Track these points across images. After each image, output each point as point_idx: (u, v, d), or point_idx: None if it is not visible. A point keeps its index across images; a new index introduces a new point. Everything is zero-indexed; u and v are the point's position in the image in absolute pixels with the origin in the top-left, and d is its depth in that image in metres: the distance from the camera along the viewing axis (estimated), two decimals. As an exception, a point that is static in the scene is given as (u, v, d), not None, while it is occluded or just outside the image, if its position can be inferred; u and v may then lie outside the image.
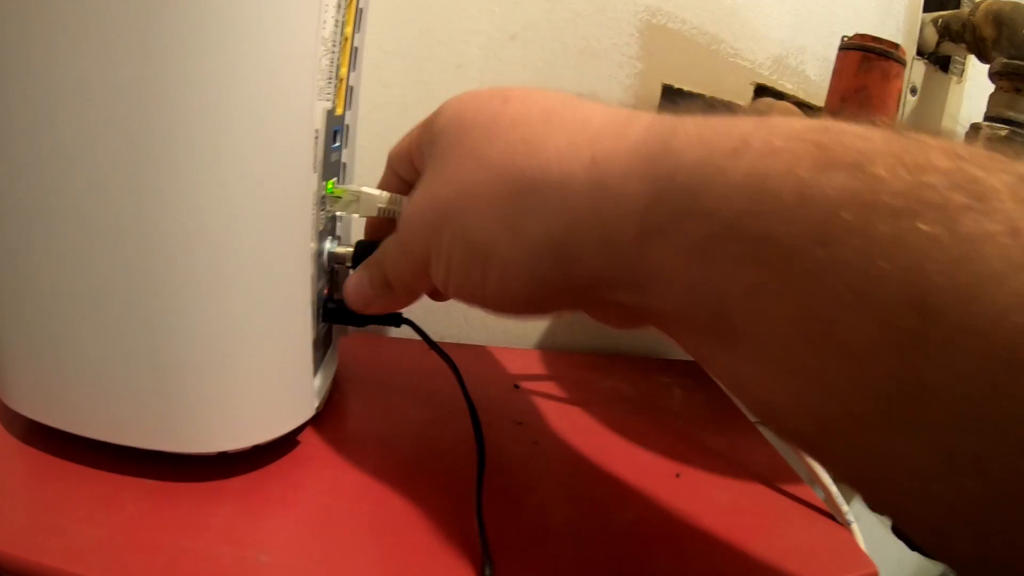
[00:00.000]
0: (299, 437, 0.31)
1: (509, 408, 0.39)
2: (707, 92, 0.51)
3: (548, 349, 0.51)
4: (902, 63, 0.42)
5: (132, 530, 0.23)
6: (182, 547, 0.23)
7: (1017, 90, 0.55)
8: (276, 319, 0.26)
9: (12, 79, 0.21)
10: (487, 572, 0.24)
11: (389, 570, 0.24)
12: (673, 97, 0.50)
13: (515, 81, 0.44)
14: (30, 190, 0.23)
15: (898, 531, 0.29)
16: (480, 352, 0.47)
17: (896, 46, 0.42)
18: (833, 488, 0.37)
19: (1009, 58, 0.54)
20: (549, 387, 0.44)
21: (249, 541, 0.24)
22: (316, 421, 0.32)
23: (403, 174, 0.30)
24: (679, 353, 0.54)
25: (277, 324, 0.26)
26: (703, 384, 0.49)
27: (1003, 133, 0.54)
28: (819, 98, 0.44)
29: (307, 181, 0.25)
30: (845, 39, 0.44)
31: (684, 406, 0.46)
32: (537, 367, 0.47)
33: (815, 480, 0.38)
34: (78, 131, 0.21)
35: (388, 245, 0.28)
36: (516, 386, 0.43)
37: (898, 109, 0.43)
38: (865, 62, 0.42)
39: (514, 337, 0.50)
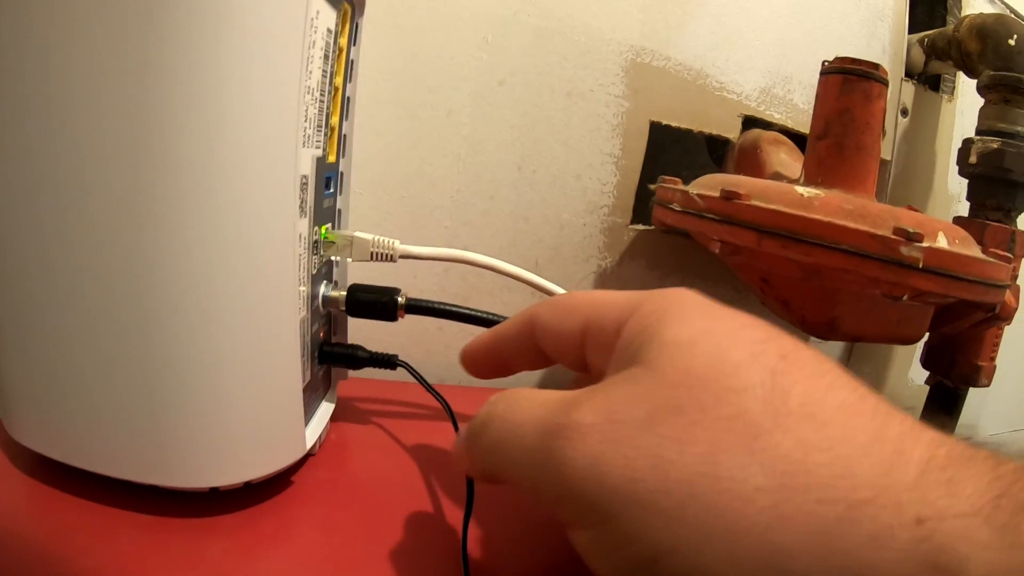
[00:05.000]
0: (294, 476, 0.31)
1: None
2: (695, 127, 0.52)
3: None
4: (884, 83, 0.43)
5: (126, 563, 0.23)
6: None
7: (1006, 101, 0.55)
8: (265, 360, 0.27)
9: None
10: None
11: None
12: (661, 134, 0.51)
13: (505, 126, 0.46)
14: (28, 234, 0.24)
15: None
16: (479, 394, 0.47)
17: (876, 66, 0.42)
18: None
19: (995, 70, 0.55)
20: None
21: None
22: (312, 460, 0.32)
23: (553, 351, 0.24)
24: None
25: (266, 365, 0.27)
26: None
27: (995, 145, 0.54)
28: (808, 126, 0.45)
29: (292, 225, 0.26)
30: (825, 63, 0.45)
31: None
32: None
33: None
34: (74, 172, 0.23)
35: (507, 414, 0.20)
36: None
37: (883, 130, 0.43)
38: (846, 84, 0.43)
39: (513, 379, 0.50)
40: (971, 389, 0.75)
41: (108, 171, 0.23)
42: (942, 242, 0.35)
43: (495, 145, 0.46)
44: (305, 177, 0.28)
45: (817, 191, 0.37)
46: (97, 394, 0.25)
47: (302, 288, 0.29)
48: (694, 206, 0.38)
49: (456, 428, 0.35)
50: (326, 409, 0.35)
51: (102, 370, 0.25)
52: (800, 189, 0.37)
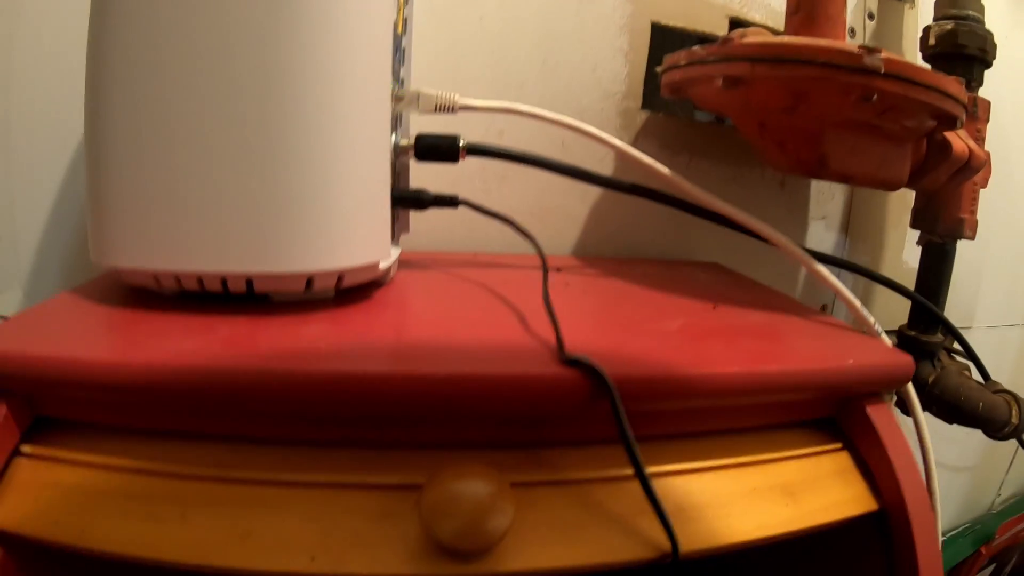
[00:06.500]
0: (373, 293, 0.38)
1: (552, 273, 0.47)
2: (689, 27, 0.60)
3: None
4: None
5: (229, 342, 0.28)
6: (279, 346, 0.28)
7: (956, -11, 0.63)
8: (364, 163, 0.33)
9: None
10: (561, 344, 0.29)
11: (480, 342, 0.31)
12: (661, 34, 0.59)
13: (528, 27, 0.54)
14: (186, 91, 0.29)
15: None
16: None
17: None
18: (857, 303, 0.43)
19: (947, -34, 0.63)
20: (588, 268, 0.51)
21: (341, 337, 0.30)
22: (385, 287, 0.40)
23: None
24: (704, 255, 0.61)
25: (365, 167, 0.34)
26: (727, 273, 0.56)
27: (949, 27, 0.62)
28: (783, 26, 0.53)
29: (389, 67, 0.35)
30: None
31: (710, 282, 0.53)
32: (572, 261, 0.55)
33: (842, 299, 0.44)
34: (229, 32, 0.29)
35: None
36: (558, 269, 0.51)
37: (845, 6, 0.51)
38: (811, -31, 0.51)
39: (553, 248, 0.58)
40: (963, 285, 0.83)
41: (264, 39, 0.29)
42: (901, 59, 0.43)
43: (521, 44, 0.54)
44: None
45: (795, 34, 0.45)
46: (213, 195, 0.29)
47: (389, 110, 0.36)
48: (697, 56, 0.46)
49: (520, 230, 0.42)
50: (396, 251, 0.42)
51: (224, 174, 0.29)
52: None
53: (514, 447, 0.29)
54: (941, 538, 1.06)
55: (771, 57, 0.42)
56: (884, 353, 0.37)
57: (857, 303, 0.43)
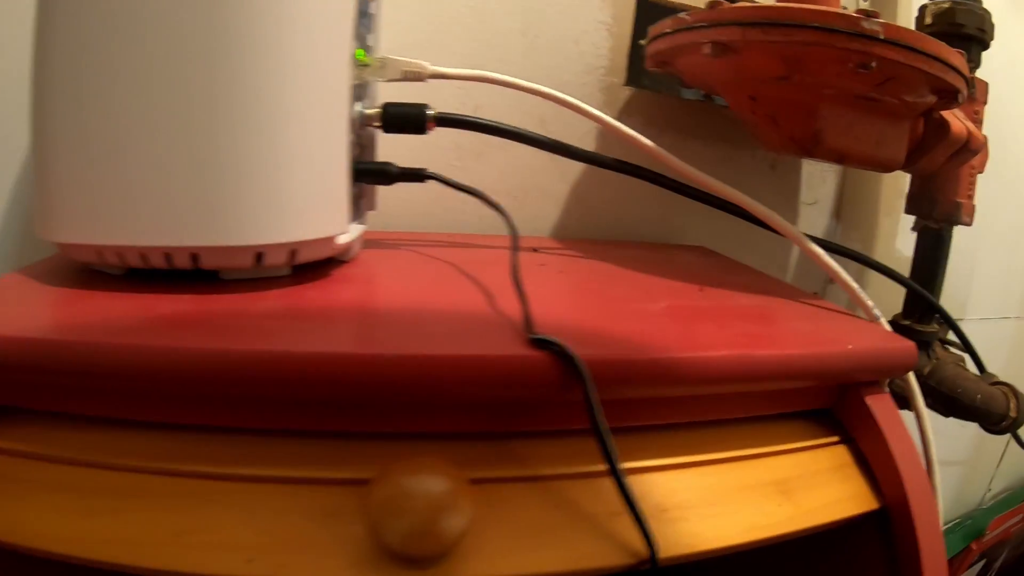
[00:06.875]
0: (332, 271, 0.35)
1: (527, 254, 0.44)
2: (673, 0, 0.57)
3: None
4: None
5: (168, 320, 0.26)
6: (222, 324, 0.26)
7: (955, -33, 0.61)
8: (317, 131, 0.31)
9: None
10: (529, 323, 0.27)
11: (440, 322, 0.28)
12: (646, 5, 0.56)
13: None
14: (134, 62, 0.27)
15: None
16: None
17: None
18: (856, 286, 0.40)
19: (944, -59, 0.61)
20: (566, 250, 0.48)
21: (291, 314, 0.28)
22: (347, 264, 0.37)
23: None
24: (692, 238, 0.59)
25: (319, 136, 0.31)
26: (715, 256, 0.53)
27: (946, 5, 0.60)
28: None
29: (345, 40, 0.32)
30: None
31: (697, 265, 0.50)
32: (551, 243, 0.51)
33: (839, 282, 0.41)
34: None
35: None
36: (534, 249, 0.47)
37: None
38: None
39: (531, 229, 0.54)
40: (956, 275, 0.80)
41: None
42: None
43: (501, 15, 0.51)
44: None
45: None
46: (170, 165, 0.28)
47: (347, 71, 0.33)
48: (684, 23, 0.43)
49: (493, 206, 0.39)
50: (358, 227, 0.39)
51: (164, 143, 0.27)
52: (773, -2, 0.42)
53: (477, 438, 0.26)
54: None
55: (764, 20, 0.39)
56: (885, 338, 0.34)
57: (855, 286, 0.41)
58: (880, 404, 0.32)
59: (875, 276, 0.61)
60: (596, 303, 0.35)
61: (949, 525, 0.98)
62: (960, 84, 0.44)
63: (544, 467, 0.25)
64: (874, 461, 0.31)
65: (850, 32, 0.38)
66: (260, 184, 0.29)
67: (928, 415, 0.65)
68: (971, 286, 0.87)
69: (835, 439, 0.32)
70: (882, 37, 0.38)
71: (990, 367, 0.98)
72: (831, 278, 0.65)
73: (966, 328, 0.90)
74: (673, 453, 0.28)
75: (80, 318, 0.26)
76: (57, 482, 0.23)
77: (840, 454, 0.32)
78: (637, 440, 0.27)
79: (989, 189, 0.72)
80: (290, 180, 0.30)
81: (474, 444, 0.25)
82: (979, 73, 0.63)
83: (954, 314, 0.88)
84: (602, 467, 0.24)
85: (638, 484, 0.25)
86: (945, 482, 1.01)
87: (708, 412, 0.30)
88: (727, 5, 0.41)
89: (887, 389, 0.33)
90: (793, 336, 0.33)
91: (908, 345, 0.33)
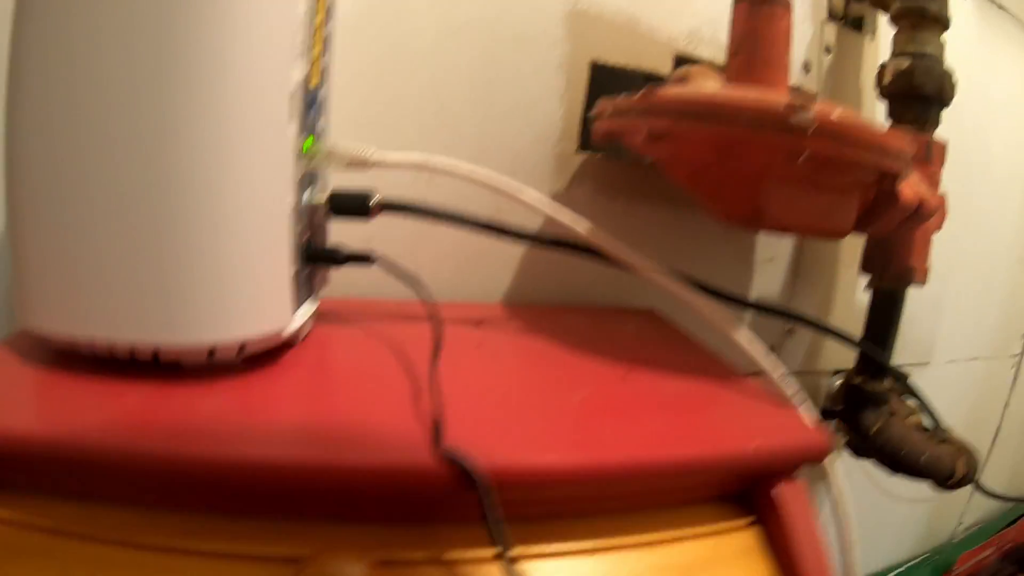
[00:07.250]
0: (281, 356, 0.36)
1: (470, 329, 0.45)
2: (630, 64, 0.58)
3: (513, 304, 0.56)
4: (787, 6, 0.49)
5: (132, 414, 0.28)
6: (177, 420, 0.28)
7: (914, 27, 0.62)
8: (261, 233, 0.32)
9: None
10: (438, 433, 0.28)
11: (364, 425, 0.30)
12: (601, 73, 0.57)
13: (462, 67, 0.52)
14: (66, 145, 0.29)
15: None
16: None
17: (779, -7, 0.48)
18: (777, 372, 0.41)
19: (904, 1, 0.61)
20: (511, 320, 0.49)
21: (238, 409, 0.30)
22: (296, 348, 0.38)
23: None
24: (644, 299, 0.59)
25: (262, 237, 0.32)
26: (659, 323, 0.54)
27: (906, 64, 0.60)
28: None
29: (286, 119, 0.33)
30: (737, -4, 0.51)
31: (636, 338, 0.50)
32: (499, 312, 0.52)
33: (765, 369, 0.41)
34: (114, 99, 0.28)
35: None
36: (478, 322, 0.48)
37: (788, 49, 0.49)
38: (752, 8, 0.49)
39: (484, 294, 0.55)
40: (922, 320, 0.81)
41: (137, 85, 0.28)
42: (836, 113, 0.40)
43: (456, 90, 0.52)
44: (296, 85, 0.33)
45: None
46: (118, 269, 0.30)
47: (291, 161, 0.34)
48: (621, 108, 0.44)
49: (425, 298, 0.40)
50: (309, 307, 0.40)
51: (127, 249, 0.29)
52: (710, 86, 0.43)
53: (395, 523, 0.28)
54: (899, 569, 1.05)
55: (693, 113, 0.40)
56: (798, 432, 0.35)
57: (776, 371, 0.41)
58: (788, 493, 0.33)
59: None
60: (516, 397, 0.36)
61: (915, 561, 0.99)
62: (899, 167, 0.45)
63: (451, 551, 0.27)
64: (776, 550, 0.32)
65: (778, 127, 0.39)
66: (206, 285, 0.31)
67: (875, 470, 0.66)
68: (939, 328, 0.88)
69: (749, 520, 0.33)
70: (811, 131, 0.39)
71: (959, 409, 0.98)
72: (788, 330, 0.66)
73: (933, 372, 0.91)
74: (575, 538, 0.29)
75: (49, 409, 0.29)
76: (43, 550, 0.26)
77: (749, 537, 0.32)
78: (538, 528, 0.29)
79: (957, 230, 0.73)
80: (238, 280, 0.32)
81: (392, 528, 0.28)
82: (944, 126, 0.63)
83: (921, 357, 0.88)
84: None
85: (536, 571, 0.27)
86: (915, 517, 1.02)
87: (614, 504, 0.31)
88: (661, 92, 0.42)
89: (798, 477, 0.34)
90: (704, 431, 0.34)
91: (821, 439, 0.34)
